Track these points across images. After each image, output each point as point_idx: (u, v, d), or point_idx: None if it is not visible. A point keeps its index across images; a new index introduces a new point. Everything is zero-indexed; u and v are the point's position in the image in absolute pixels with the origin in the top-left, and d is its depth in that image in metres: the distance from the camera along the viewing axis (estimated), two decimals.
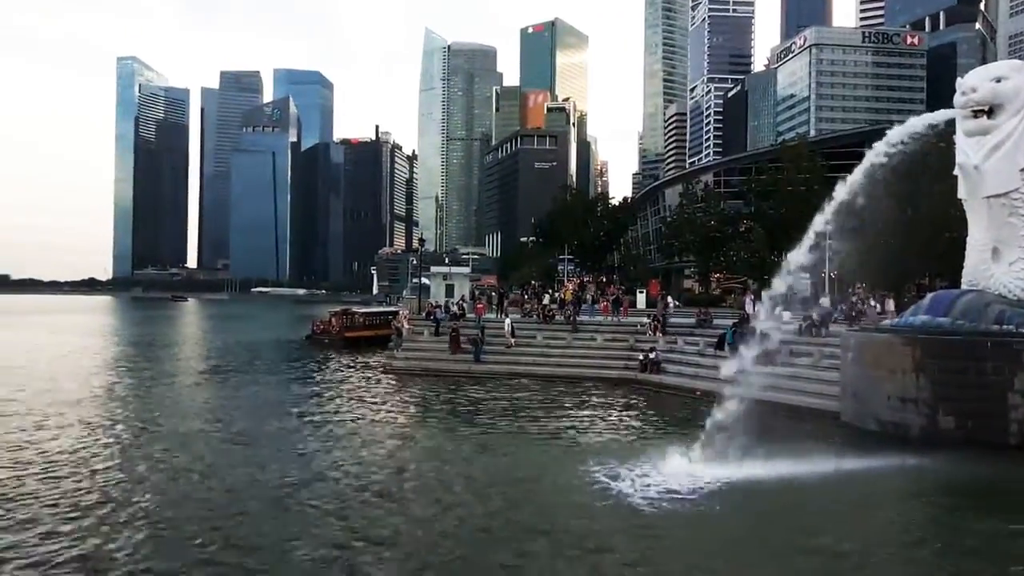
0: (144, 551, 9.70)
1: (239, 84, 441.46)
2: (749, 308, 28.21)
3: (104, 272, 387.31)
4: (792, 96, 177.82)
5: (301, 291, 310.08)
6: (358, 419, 20.05)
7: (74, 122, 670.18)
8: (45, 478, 13.36)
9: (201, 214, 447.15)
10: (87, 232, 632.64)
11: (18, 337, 55.08)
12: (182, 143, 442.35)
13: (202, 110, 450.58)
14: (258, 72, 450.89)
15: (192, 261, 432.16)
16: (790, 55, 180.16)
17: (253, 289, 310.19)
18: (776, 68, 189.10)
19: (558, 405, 22.48)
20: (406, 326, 33.68)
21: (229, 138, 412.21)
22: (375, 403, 22.97)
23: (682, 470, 13.52)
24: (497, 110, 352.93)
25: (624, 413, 21.49)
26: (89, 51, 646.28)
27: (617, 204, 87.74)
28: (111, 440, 17.08)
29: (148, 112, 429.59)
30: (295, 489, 12.73)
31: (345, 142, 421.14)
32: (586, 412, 21.48)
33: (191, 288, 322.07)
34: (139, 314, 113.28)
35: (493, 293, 49.01)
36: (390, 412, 21.42)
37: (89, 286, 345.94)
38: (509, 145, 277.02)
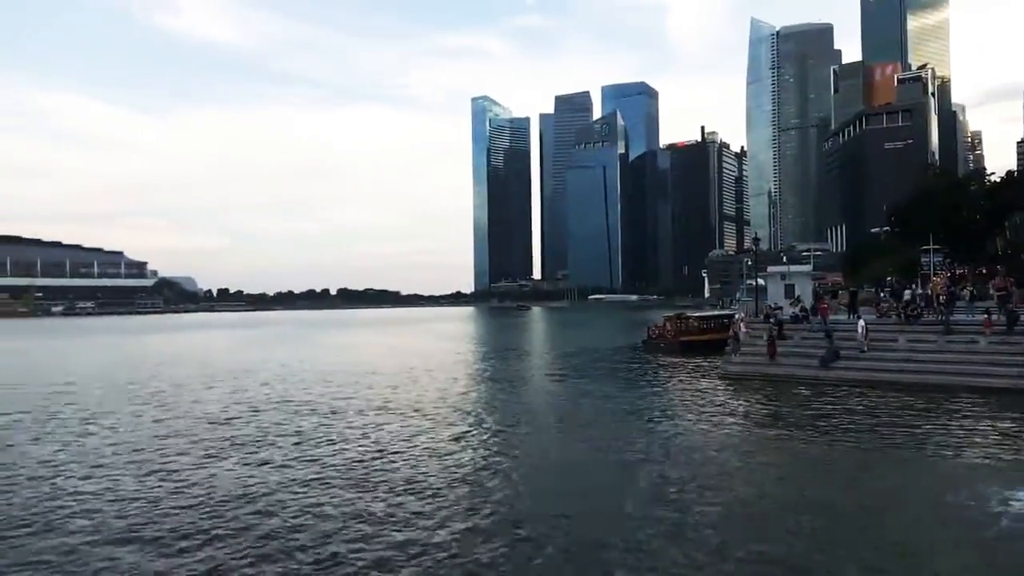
0: (490, 540, 10.80)
1: (571, 106, 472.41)
2: None
3: (467, 286, 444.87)
4: None
5: (634, 297, 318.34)
6: (696, 425, 19.71)
7: (444, 159, 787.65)
8: (427, 464, 15.72)
9: (543, 229, 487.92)
10: (454, 252, 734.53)
11: (406, 341, 66.07)
12: (525, 167, 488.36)
13: (540, 134, 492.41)
14: (588, 92, 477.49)
15: (537, 273, 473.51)
16: None
17: (590, 296, 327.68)
18: None
19: (930, 418, 19.36)
20: (743, 330, 32.35)
21: (564, 157, 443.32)
22: (712, 410, 22.37)
23: None
24: (836, 91, 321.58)
25: None
26: (453, 96, 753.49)
27: (998, 180, 72.96)
28: (475, 434, 19.41)
29: (497, 143, 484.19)
30: (640, 492, 13.01)
31: (671, 147, 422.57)
32: (970, 427, 18.12)
33: (536, 298, 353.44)
34: (493, 322, 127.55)
35: (841, 291, 44.54)
36: (728, 419, 20.67)
37: (456, 298, 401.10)
38: (852, 128, 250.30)
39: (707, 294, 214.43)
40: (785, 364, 28.66)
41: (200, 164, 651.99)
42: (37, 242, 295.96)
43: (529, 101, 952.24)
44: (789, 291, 38.33)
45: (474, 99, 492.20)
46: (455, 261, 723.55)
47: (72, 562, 9.93)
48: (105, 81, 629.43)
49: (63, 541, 10.74)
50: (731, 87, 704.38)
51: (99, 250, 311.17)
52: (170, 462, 16.17)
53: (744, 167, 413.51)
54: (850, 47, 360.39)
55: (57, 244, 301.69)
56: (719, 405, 23.27)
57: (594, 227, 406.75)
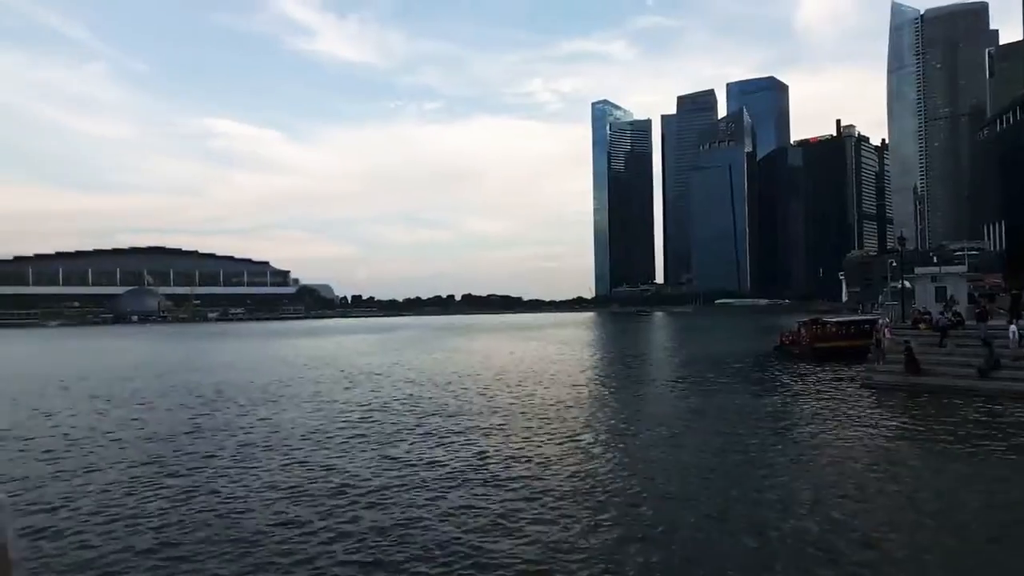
0: (614, 546, 10.78)
1: (694, 105, 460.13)
2: None
3: (588, 291, 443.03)
4: None
5: (764, 301, 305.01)
6: (839, 438, 18.66)
7: (565, 164, 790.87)
8: (544, 468, 15.94)
9: (665, 233, 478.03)
10: (575, 257, 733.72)
11: (527, 346, 66.91)
12: (646, 169, 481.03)
13: (662, 136, 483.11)
14: (712, 90, 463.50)
15: (660, 277, 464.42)
16: None
17: (716, 301, 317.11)
18: None
19: None
20: (888, 336, 30.29)
21: (687, 158, 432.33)
22: (856, 420, 21.10)
23: None
24: (992, 75, 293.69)
25: None
26: (576, 104, 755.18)
27: None
28: (597, 441, 19.40)
29: (618, 146, 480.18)
30: (779, 510, 12.58)
31: (803, 143, 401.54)
32: None
33: (659, 302, 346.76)
34: (614, 327, 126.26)
35: (1000, 294, 40.70)
36: (874, 431, 19.40)
37: (577, 304, 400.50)
38: (1012, 114, 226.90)
39: (845, 298, 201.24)
40: (937, 373, 26.54)
41: (335, 178, 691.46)
42: (195, 254, 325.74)
43: (650, 103, 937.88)
44: (940, 294, 35.50)
45: (594, 103, 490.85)
46: (576, 266, 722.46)
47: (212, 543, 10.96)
48: (254, 104, 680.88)
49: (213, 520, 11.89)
50: (869, 77, 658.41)
51: (248, 260, 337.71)
52: (308, 456, 17.43)
53: (886, 161, 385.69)
54: (1008, 26, 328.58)
55: (212, 256, 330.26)
56: (863, 416, 21.91)
57: (720, 229, 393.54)
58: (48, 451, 18.83)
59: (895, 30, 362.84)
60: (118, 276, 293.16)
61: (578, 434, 19.86)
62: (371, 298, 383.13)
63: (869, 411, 22.90)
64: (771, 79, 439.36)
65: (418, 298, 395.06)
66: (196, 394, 31.49)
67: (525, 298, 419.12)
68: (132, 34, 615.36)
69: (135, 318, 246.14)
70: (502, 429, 20.91)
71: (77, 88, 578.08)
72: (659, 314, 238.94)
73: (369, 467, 16.15)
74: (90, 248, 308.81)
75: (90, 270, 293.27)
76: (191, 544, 10.94)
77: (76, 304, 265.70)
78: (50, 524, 12.08)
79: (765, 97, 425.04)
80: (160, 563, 10.21)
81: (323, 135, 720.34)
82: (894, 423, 20.72)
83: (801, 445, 17.66)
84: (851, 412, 22.64)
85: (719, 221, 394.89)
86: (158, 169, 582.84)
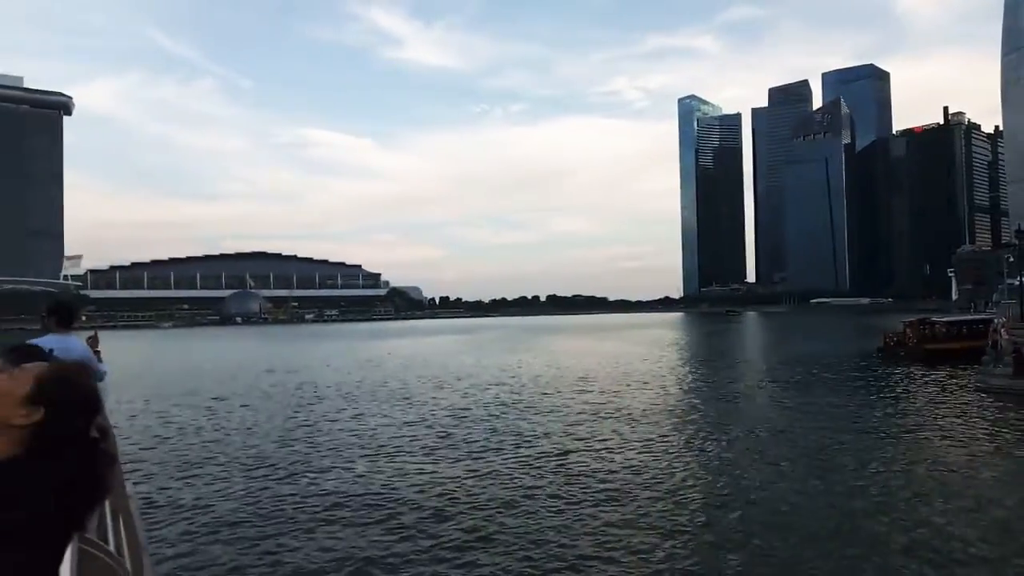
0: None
1: (787, 97, 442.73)
2: None
3: (676, 291, 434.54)
4: None
5: (864, 300, 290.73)
6: (952, 445, 17.80)
7: (651, 162, 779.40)
8: (631, 473, 15.96)
9: (757, 230, 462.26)
10: (663, 256, 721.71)
11: (613, 347, 66.53)
12: (736, 165, 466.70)
13: (753, 130, 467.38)
14: (806, 81, 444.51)
15: (751, 276, 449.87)
16: None
17: (811, 300, 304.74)
18: None
19: None
20: (1005, 337, 28.49)
21: (780, 152, 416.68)
22: (972, 427, 20.04)
23: None
24: None
25: None
26: (662, 101, 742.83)
27: None
28: (688, 446, 19.24)
29: (705, 142, 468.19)
30: (896, 526, 12.21)
31: (907, 133, 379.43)
32: None
33: (751, 302, 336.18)
34: (704, 328, 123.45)
35: None
36: (994, 439, 18.35)
37: (665, 304, 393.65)
38: None
39: (955, 296, 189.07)
40: None
41: (424, 183, 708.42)
42: (293, 258, 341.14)
43: (740, 96, 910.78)
44: None
45: (681, 99, 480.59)
46: (663, 265, 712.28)
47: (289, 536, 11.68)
48: (348, 114, 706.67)
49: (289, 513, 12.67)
50: (980, 61, 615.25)
51: (342, 264, 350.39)
52: (396, 455, 18.11)
53: (1000, 150, 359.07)
54: None
55: (308, 260, 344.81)
56: (980, 423, 20.79)
57: (816, 225, 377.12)
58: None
59: (1010, 9, 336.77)
60: (223, 280, 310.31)
61: (673, 439, 19.74)
62: (458, 299, 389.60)
63: (987, 416, 21.71)
64: (870, 67, 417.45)
65: (503, 299, 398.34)
66: (302, 393, 33.22)
67: (611, 298, 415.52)
68: (236, 51, 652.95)
69: (239, 320, 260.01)
70: (591, 432, 21.03)
71: (188, 104, 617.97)
72: (751, 314, 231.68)
73: (458, 470, 16.58)
74: (199, 254, 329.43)
75: (198, 274, 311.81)
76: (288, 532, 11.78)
77: (186, 307, 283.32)
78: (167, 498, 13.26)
79: (864, 86, 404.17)
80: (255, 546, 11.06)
81: (413, 141, 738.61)
82: (1013, 430, 19.55)
83: (913, 453, 16.97)
84: (965, 417, 21.53)
85: (815, 217, 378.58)
86: (261, 178, 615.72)
